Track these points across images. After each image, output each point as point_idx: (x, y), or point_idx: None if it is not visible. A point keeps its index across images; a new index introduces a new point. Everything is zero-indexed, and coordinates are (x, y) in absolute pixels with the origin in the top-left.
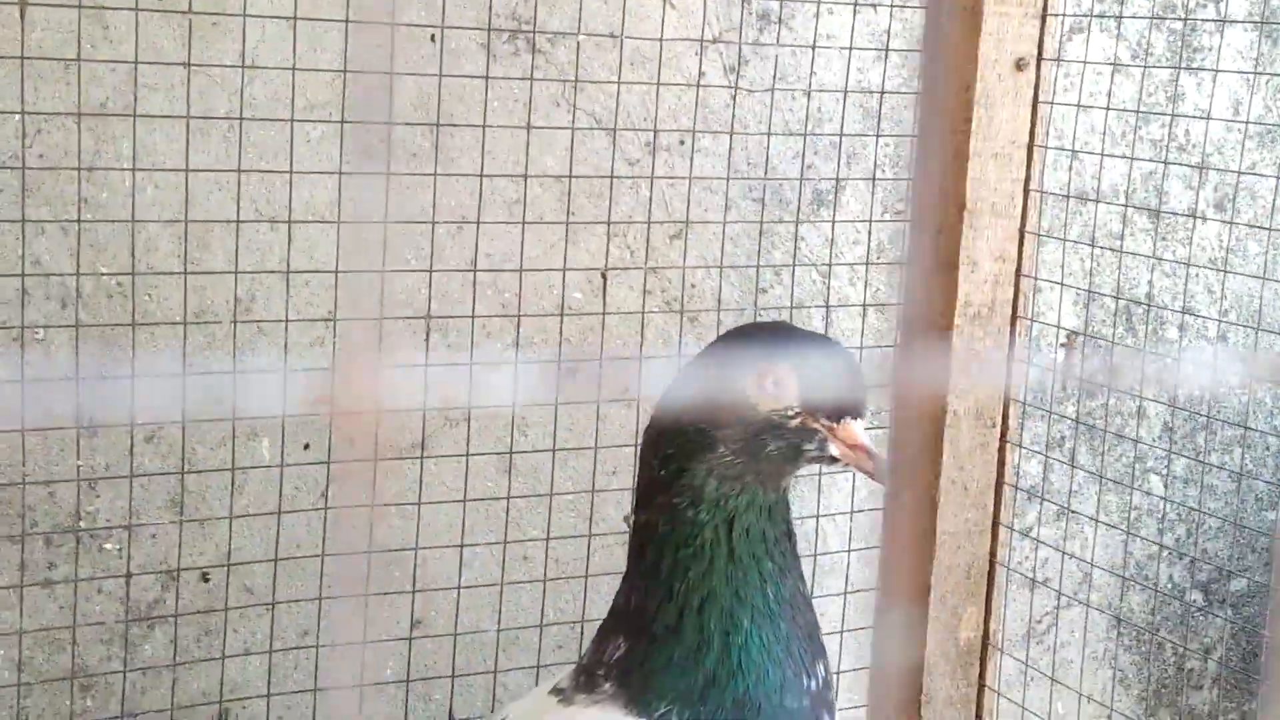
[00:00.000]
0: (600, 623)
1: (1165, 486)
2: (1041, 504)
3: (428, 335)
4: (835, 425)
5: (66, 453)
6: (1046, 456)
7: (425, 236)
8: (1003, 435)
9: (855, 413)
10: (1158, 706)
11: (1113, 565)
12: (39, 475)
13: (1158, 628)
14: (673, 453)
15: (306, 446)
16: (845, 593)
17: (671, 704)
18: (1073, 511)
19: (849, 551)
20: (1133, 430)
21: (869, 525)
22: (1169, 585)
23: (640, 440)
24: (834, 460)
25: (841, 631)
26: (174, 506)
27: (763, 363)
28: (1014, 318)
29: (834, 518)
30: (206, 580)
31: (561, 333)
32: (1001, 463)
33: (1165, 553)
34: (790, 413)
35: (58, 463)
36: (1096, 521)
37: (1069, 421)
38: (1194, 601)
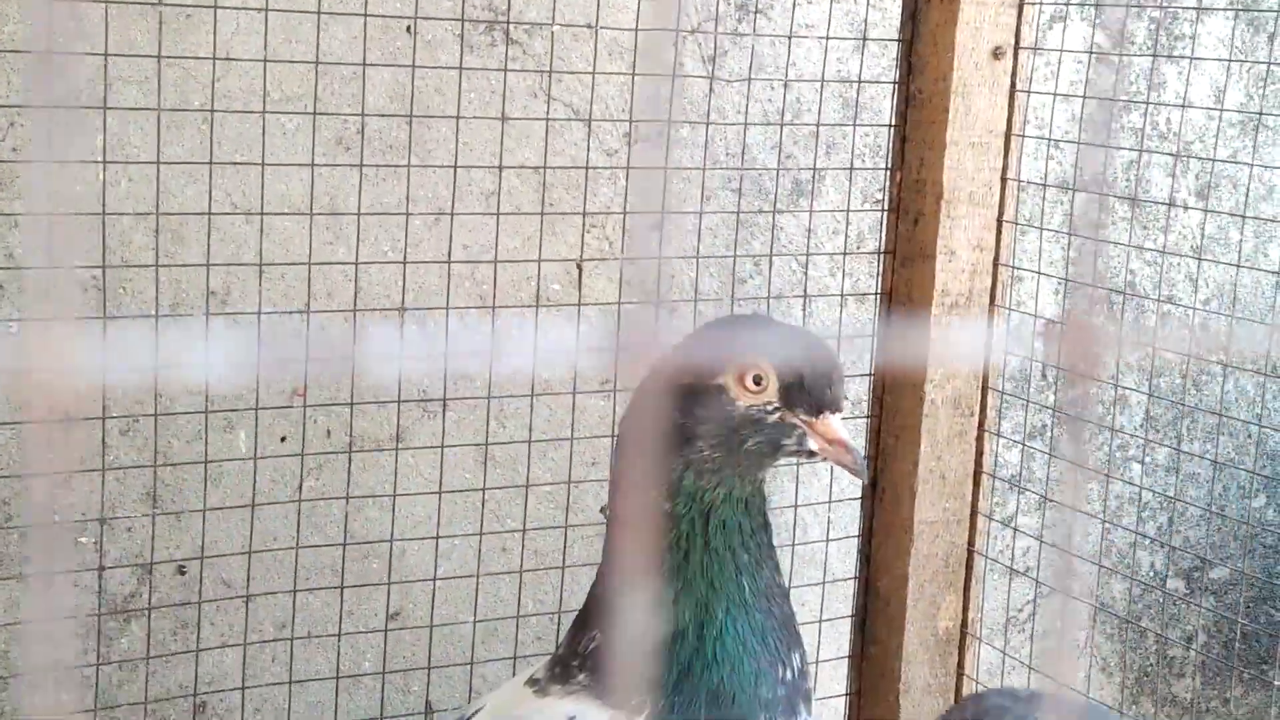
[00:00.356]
0: (577, 614)
1: (1145, 475)
2: (1020, 493)
3: (401, 326)
4: (814, 420)
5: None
6: (1025, 445)
7: (401, 228)
8: (980, 424)
9: (834, 407)
10: (1139, 695)
11: (1094, 554)
12: (12, 468)
13: (1139, 616)
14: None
15: (283, 439)
16: (823, 582)
17: (646, 695)
18: (1052, 501)
19: (827, 541)
20: (1113, 419)
21: (848, 515)
22: (1150, 574)
23: (617, 431)
24: (812, 455)
25: (820, 621)
26: (149, 499)
27: (742, 358)
28: (992, 307)
29: (813, 508)
30: (182, 573)
31: (537, 324)
32: (980, 451)
33: (1146, 541)
34: (769, 408)
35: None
36: (1076, 510)
37: (1049, 410)
38: (1175, 590)
